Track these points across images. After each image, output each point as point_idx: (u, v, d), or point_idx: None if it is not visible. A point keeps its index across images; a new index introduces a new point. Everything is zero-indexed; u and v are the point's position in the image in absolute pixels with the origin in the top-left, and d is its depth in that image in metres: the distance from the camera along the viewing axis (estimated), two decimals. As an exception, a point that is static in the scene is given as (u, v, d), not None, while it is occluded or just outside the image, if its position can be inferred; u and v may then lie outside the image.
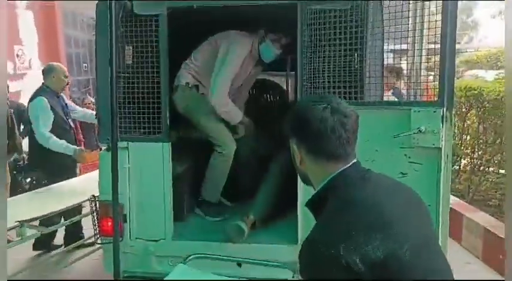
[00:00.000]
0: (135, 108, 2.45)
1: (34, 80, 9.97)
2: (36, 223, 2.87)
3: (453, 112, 2.03)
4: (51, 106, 3.58)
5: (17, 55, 9.37)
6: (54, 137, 3.50)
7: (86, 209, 3.34)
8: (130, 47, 2.59)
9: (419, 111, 1.98)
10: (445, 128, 1.96)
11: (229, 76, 2.67)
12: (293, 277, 2.04)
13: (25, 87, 9.25)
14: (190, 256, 2.14)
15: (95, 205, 2.59)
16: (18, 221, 2.64)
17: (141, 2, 2.40)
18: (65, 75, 3.80)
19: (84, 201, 2.91)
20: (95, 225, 2.59)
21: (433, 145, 1.97)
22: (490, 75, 10.78)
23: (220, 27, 2.78)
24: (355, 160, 1.16)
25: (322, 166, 1.14)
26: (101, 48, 2.41)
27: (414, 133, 1.98)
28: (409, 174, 2.06)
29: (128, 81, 2.49)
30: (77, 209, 3.27)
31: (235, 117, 2.80)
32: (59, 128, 3.62)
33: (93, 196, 2.61)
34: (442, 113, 1.94)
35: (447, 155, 1.98)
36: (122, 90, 2.45)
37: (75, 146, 3.60)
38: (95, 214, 2.60)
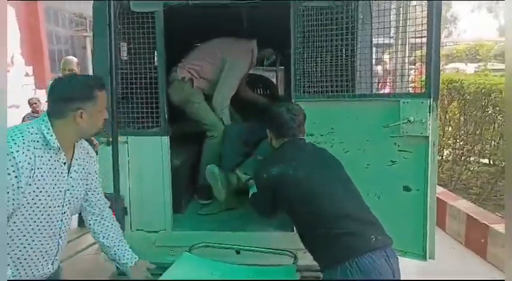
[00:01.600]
0: (133, 103, 2.52)
1: (16, 77, 9.87)
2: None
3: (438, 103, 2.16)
4: None
5: (-1, 52, 9.22)
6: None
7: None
8: (125, 44, 2.66)
9: (407, 102, 2.10)
10: (432, 118, 2.08)
11: (234, 87, 3.12)
12: (293, 263, 2.14)
13: (8, 85, 9.13)
14: (195, 244, 2.23)
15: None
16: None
17: (138, -1, 2.46)
18: (67, 69, 4.10)
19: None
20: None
21: (421, 133, 2.09)
22: (470, 68, 11.08)
23: (214, 24, 2.86)
24: (299, 137, 2.04)
25: (280, 140, 2.04)
26: (98, 45, 2.47)
27: (403, 123, 2.10)
28: (399, 162, 2.19)
29: (125, 76, 2.55)
30: None
31: (228, 118, 3.14)
32: None
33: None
34: (429, 104, 2.06)
35: (434, 143, 2.10)
36: (120, 86, 2.50)
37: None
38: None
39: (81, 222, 3.99)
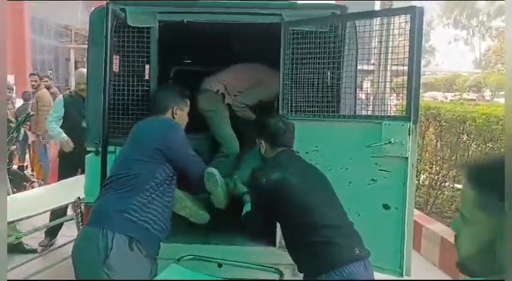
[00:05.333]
0: (124, 114, 2.56)
1: (-3, 85, 9.75)
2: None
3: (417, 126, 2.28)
4: (66, 105, 4.19)
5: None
6: (53, 124, 4.17)
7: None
8: (119, 56, 2.73)
9: (389, 124, 2.23)
10: (411, 140, 2.20)
11: (259, 97, 3.17)
12: (279, 279, 2.18)
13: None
14: (183, 257, 2.25)
15: (79, 207, 2.64)
16: None
17: (135, 13, 2.53)
18: (81, 82, 4.10)
19: (68, 203, 2.94)
20: (79, 227, 2.64)
21: (401, 154, 2.20)
22: (447, 97, 11.54)
23: (207, 41, 2.96)
24: (291, 148, 2.18)
25: (274, 150, 2.14)
26: (93, 56, 2.52)
27: (385, 144, 2.21)
28: (379, 180, 2.29)
29: (116, 88, 2.60)
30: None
31: (248, 116, 3.18)
32: (70, 125, 4.10)
33: (79, 198, 2.67)
34: (409, 127, 2.18)
35: (412, 164, 2.22)
36: (111, 97, 2.55)
37: (64, 135, 4.08)
38: (79, 216, 2.65)
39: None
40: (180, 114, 2.26)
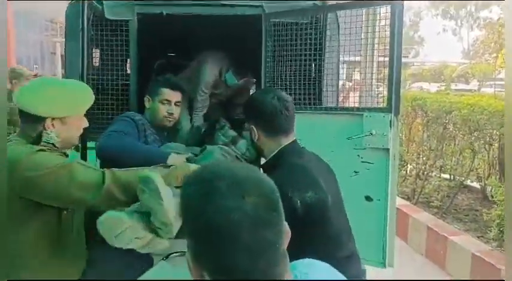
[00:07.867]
0: (104, 110, 2.52)
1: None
2: None
3: (399, 118, 2.28)
4: None
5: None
6: None
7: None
8: (98, 50, 2.68)
9: (370, 116, 2.22)
10: (393, 132, 2.20)
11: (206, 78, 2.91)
12: None
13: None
14: (171, 253, 2.22)
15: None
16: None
17: (112, 6, 2.48)
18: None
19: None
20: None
21: (382, 146, 2.20)
22: (433, 87, 11.62)
23: (187, 34, 2.92)
24: (295, 138, 1.65)
25: (274, 140, 1.61)
26: (70, 50, 2.47)
27: (366, 136, 2.21)
28: (361, 172, 2.29)
29: (95, 82, 2.55)
30: None
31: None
32: None
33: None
34: (390, 118, 2.17)
35: (394, 155, 2.22)
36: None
37: None
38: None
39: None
40: (154, 106, 2.26)
